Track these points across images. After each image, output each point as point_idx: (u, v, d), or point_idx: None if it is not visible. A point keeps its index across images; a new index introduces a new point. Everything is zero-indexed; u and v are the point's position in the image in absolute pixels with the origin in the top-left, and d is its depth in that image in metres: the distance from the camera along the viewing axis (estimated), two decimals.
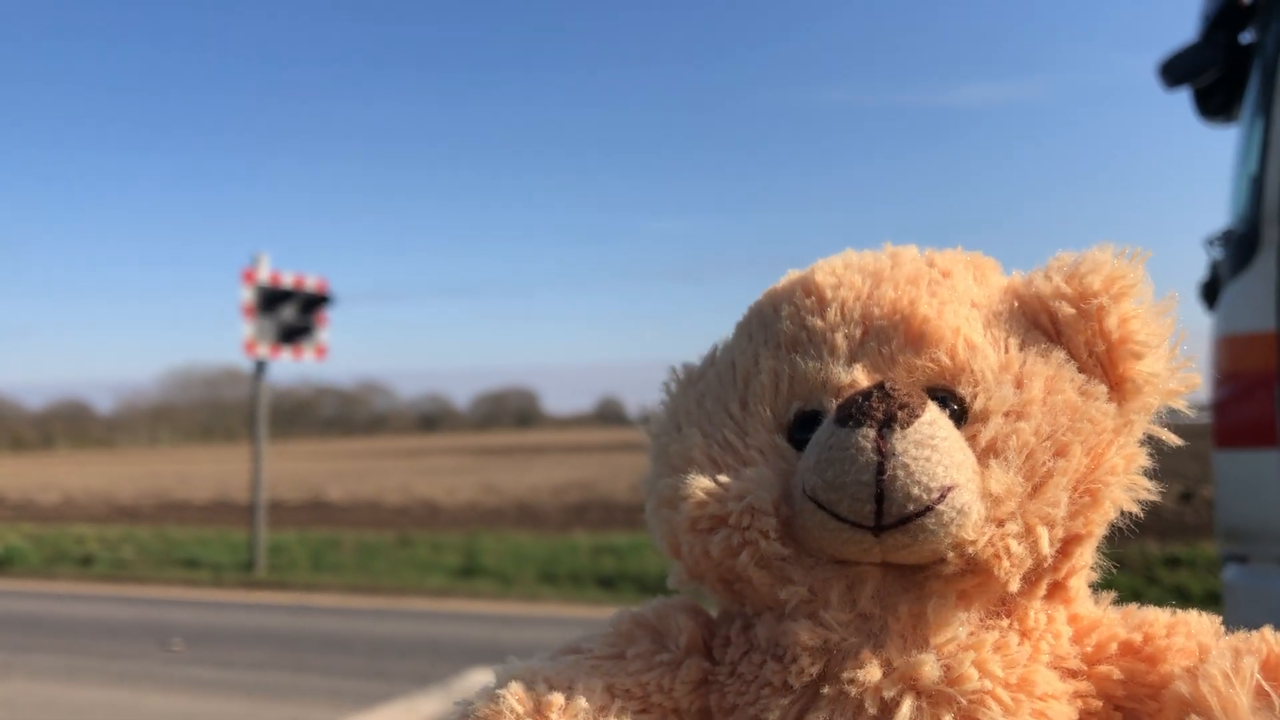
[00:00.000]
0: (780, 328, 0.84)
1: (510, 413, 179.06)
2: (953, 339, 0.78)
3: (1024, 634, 0.75)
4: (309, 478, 34.39)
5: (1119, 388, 0.78)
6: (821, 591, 0.75)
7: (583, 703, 0.77)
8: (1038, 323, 0.81)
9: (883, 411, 0.70)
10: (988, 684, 0.71)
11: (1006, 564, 0.71)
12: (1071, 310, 0.79)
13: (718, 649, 0.82)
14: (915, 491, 0.69)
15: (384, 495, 26.34)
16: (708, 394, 0.87)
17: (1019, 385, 0.76)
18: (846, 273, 0.84)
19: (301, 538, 16.77)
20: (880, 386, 0.72)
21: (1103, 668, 0.76)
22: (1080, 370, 0.78)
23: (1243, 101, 3.59)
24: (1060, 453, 0.74)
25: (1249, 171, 3.24)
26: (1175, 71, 3.27)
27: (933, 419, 0.71)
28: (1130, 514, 0.78)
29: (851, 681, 0.72)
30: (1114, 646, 0.77)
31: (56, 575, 14.60)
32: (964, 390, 0.77)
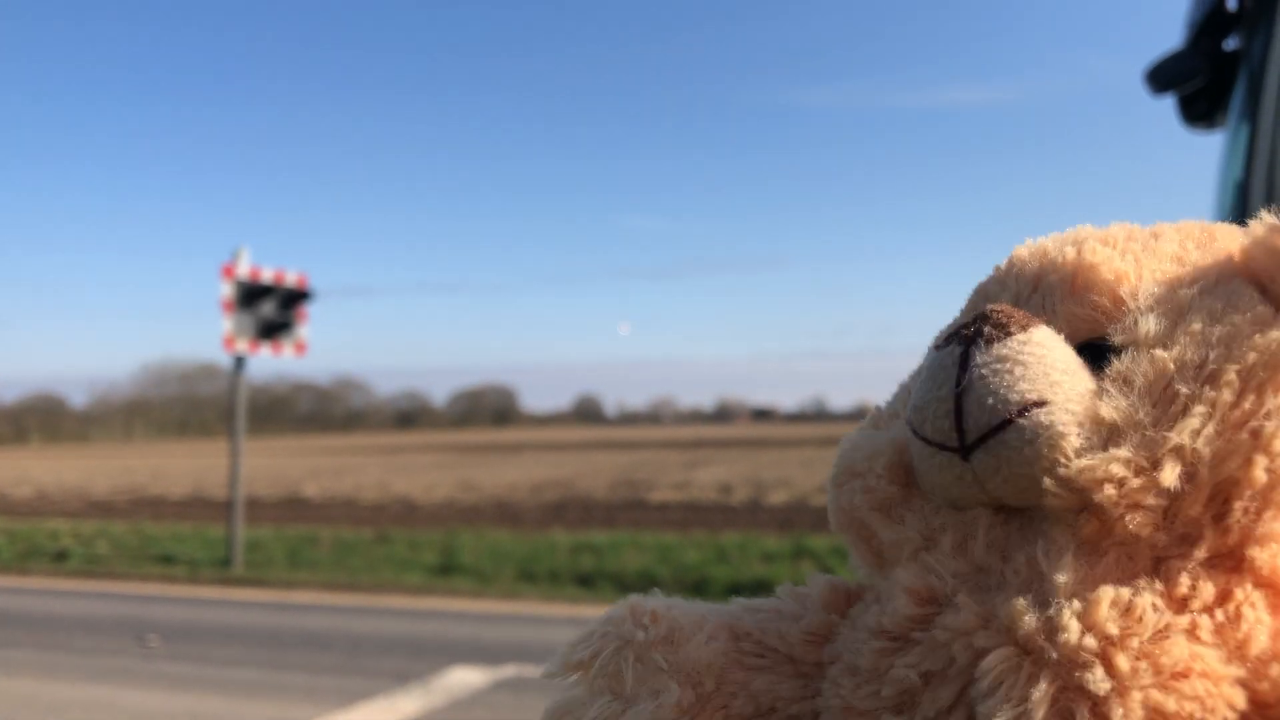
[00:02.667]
0: (969, 303, 0.80)
1: (488, 410, 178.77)
2: (1116, 282, 0.70)
3: (1176, 601, 0.62)
4: (285, 474, 34.24)
5: None
6: (935, 538, 0.70)
7: (679, 616, 0.76)
8: (1243, 272, 0.70)
9: (972, 330, 0.65)
10: (1091, 641, 0.60)
11: (1111, 491, 0.61)
12: (1267, 243, 0.68)
13: (853, 611, 0.78)
14: (990, 402, 0.63)
15: (361, 492, 26.26)
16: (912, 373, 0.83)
17: (1176, 320, 0.66)
18: (1045, 241, 0.78)
19: (278, 534, 16.70)
20: (982, 310, 0.67)
21: None
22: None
23: (1227, 108, 3.62)
24: (1209, 380, 0.63)
25: (1234, 177, 3.27)
26: (1161, 78, 3.29)
27: (1030, 339, 0.65)
28: None
29: (944, 627, 0.65)
30: None
31: (30, 570, 14.49)
32: (1113, 330, 0.68)
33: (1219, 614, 0.62)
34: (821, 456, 38.98)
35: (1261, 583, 0.64)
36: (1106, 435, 0.63)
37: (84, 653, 8.92)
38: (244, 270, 13.55)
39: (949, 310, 0.83)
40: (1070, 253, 0.74)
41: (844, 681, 0.72)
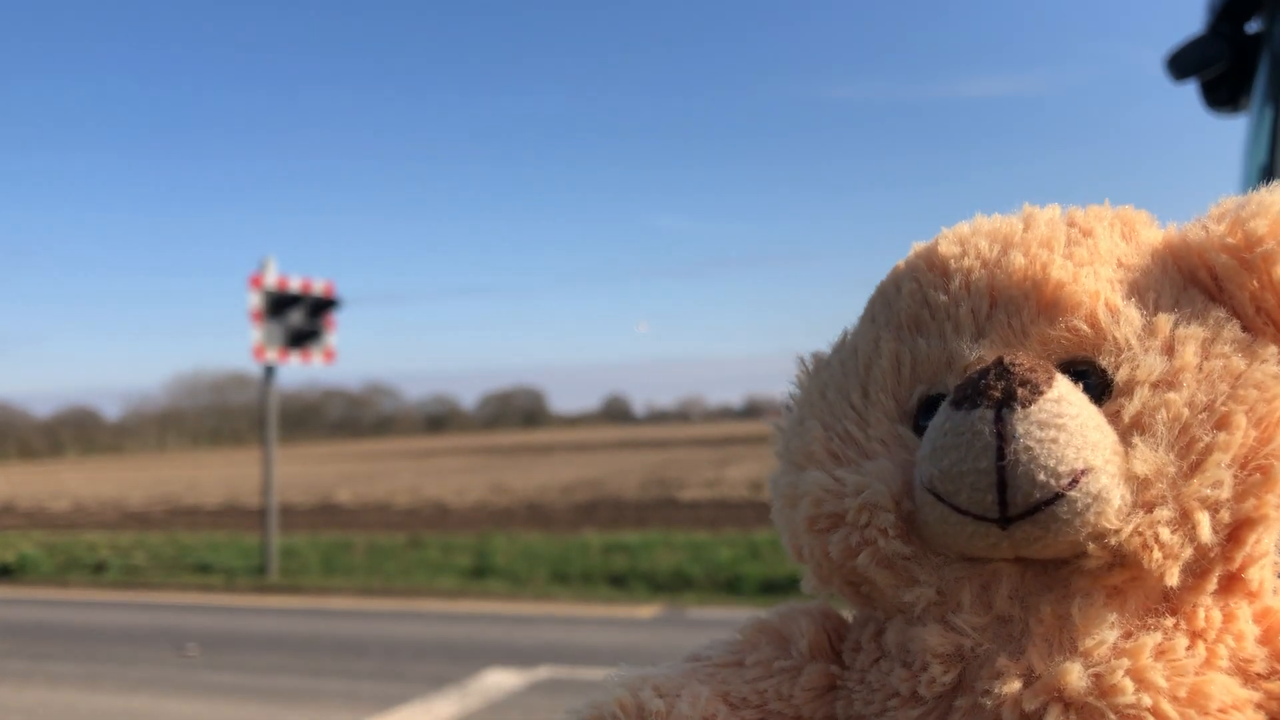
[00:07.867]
0: (901, 306, 0.77)
1: (517, 412, 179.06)
2: (1091, 304, 0.70)
3: (1194, 635, 0.65)
4: (318, 481, 34.46)
5: None
6: (952, 592, 0.68)
7: (685, 709, 0.72)
8: (1195, 280, 0.72)
9: (1001, 390, 0.62)
10: (1146, 698, 0.62)
11: (1158, 555, 0.63)
12: (1232, 260, 0.69)
13: (848, 654, 0.76)
14: (1041, 477, 0.61)
15: (393, 497, 26.39)
16: (830, 384, 0.80)
17: (1168, 351, 0.67)
18: (972, 239, 0.76)
19: (312, 541, 16.81)
20: (999, 362, 0.64)
21: None
22: (1245, 330, 0.69)
23: (1250, 91, 3.59)
24: (1221, 424, 0.64)
25: (1258, 161, 3.24)
26: (1183, 64, 3.26)
27: (1060, 395, 0.63)
28: None
29: (987, 693, 0.64)
30: None
31: (69, 583, 14.66)
32: (1105, 361, 0.68)
33: (1229, 639, 0.65)
34: None
35: (1249, 597, 0.68)
36: (1138, 489, 0.64)
37: (124, 663, 9.01)
38: (271, 280, 13.65)
39: None
40: (1019, 261, 0.72)
41: None
